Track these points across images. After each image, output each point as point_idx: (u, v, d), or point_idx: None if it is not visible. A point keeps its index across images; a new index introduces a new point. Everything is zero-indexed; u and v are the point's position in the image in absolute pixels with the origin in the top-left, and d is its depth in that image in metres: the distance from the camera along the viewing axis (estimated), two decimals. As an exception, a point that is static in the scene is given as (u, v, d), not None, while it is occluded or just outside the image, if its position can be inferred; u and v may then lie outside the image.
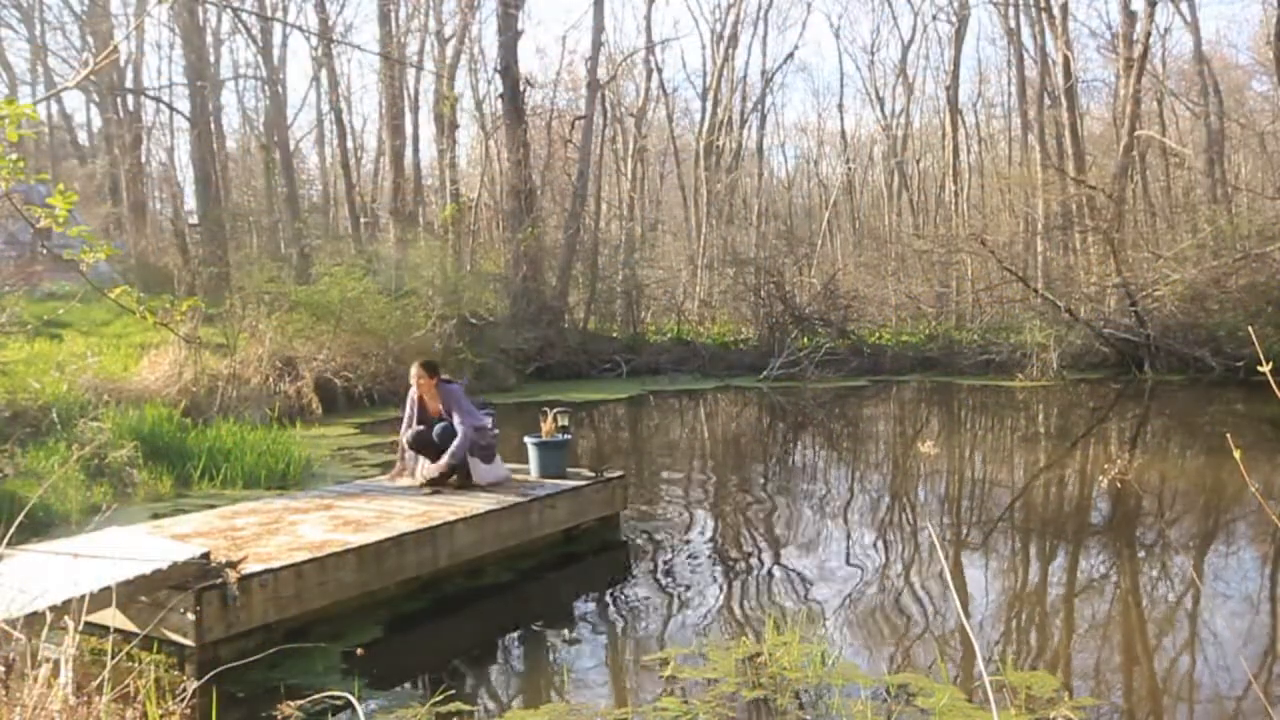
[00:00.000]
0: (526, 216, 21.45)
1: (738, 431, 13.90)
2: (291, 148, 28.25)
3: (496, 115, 25.58)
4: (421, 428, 6.67)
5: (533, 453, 6.94)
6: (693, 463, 10.81)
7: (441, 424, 6.55)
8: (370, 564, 5.02)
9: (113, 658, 3.07)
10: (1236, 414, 13.88)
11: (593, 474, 6.96)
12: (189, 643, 4.19)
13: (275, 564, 4.58)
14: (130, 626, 4.22)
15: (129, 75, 26.69)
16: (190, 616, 4.15)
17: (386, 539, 5.15)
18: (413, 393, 6.78)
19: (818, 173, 40.89)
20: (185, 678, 4.07)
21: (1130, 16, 22.25)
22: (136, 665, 4.12)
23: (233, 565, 4.41)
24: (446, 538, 5.50)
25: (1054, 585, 5.87)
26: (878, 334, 23.16)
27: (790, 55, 43.27)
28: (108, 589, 3.77)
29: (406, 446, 6.79)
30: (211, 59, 25.97)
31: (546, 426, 6.99)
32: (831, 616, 5.13)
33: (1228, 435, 3.12)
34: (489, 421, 6.76)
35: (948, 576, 5.80)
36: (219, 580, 4.26)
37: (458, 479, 6.54)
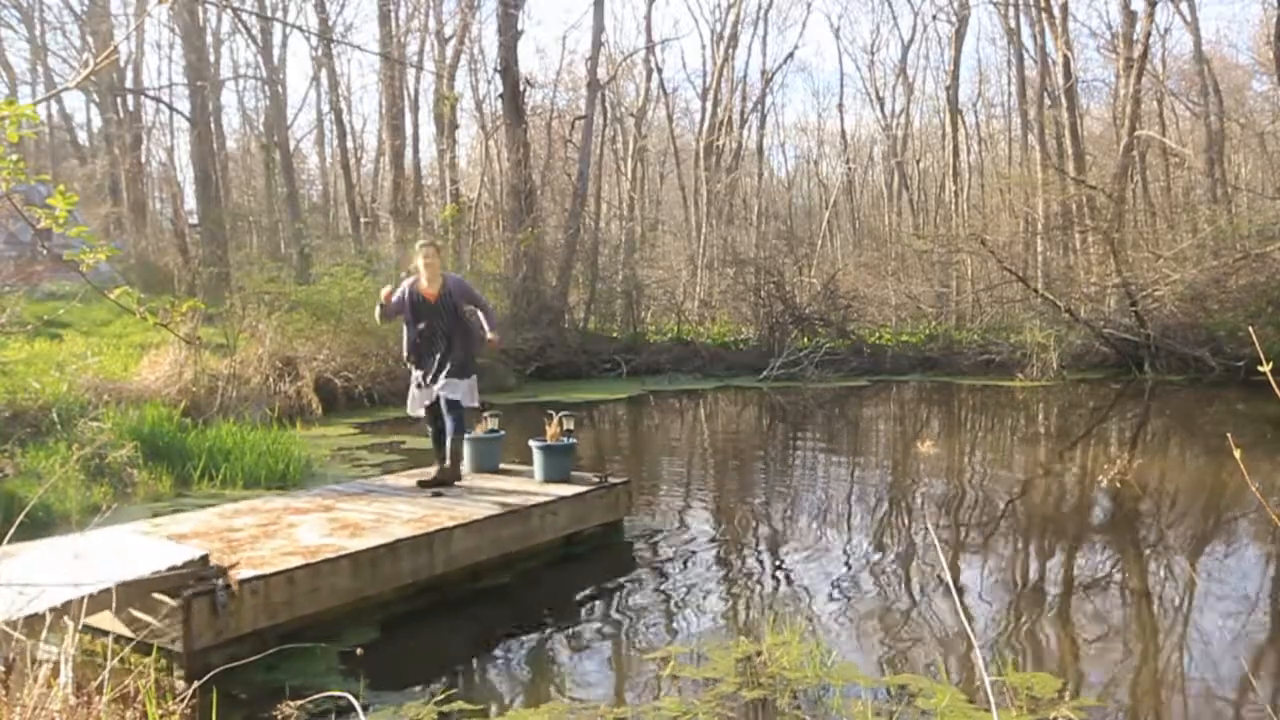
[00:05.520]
0: (526, 216, 21.45)
1: (738, 432, 13.89)
2: (291, 148, 28.27)
3: (496, 115, 25.58)
4: (422, 326, 6.65)
5: (537, 456, 6.93)
6: (693, 463, 10.81)
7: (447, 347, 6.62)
8: (365, 570, 4.99)
9: (108, 660, 3.07)
10: (1237, 414, 13.88)
11: (597, 479, 6.92)
12: (178, 649, 4.17)
13: (267, 570, 4.55)
14: (125, 631, 4.20)
15: (129, 75, 26.70)
16: (179, 622, 4.12)
17: (381, 545, 5.10)
18: (407, 285, 6.70)
19: (818, 173, 40.86)
20: (176, 680, 4.06)
21: (1130, 16, 22.25)
22: (132, 668, 4.12)
23: (224, 571, 4.39)
24: (443, 544, 5.46)
25: (1054, 585, 5.87)
26: (878, 334, 23.15)
27: (790, 55, 43.42)
28: (108, 591, 3.77)
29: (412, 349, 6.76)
30: (211, 59, 25.99)
31: (551, 430, 6.98)
32: (831, 617, 5.13)
33: (1228, 435, 3.11)
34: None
35: (947, 577, 5.80)
36: (209, 586, 4.24)
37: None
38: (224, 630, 4.26)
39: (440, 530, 5.46)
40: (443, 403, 6.66)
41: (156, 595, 4.13)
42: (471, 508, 5.98)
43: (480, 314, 6.98)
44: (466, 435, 7.07)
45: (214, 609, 4.21)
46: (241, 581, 4.36)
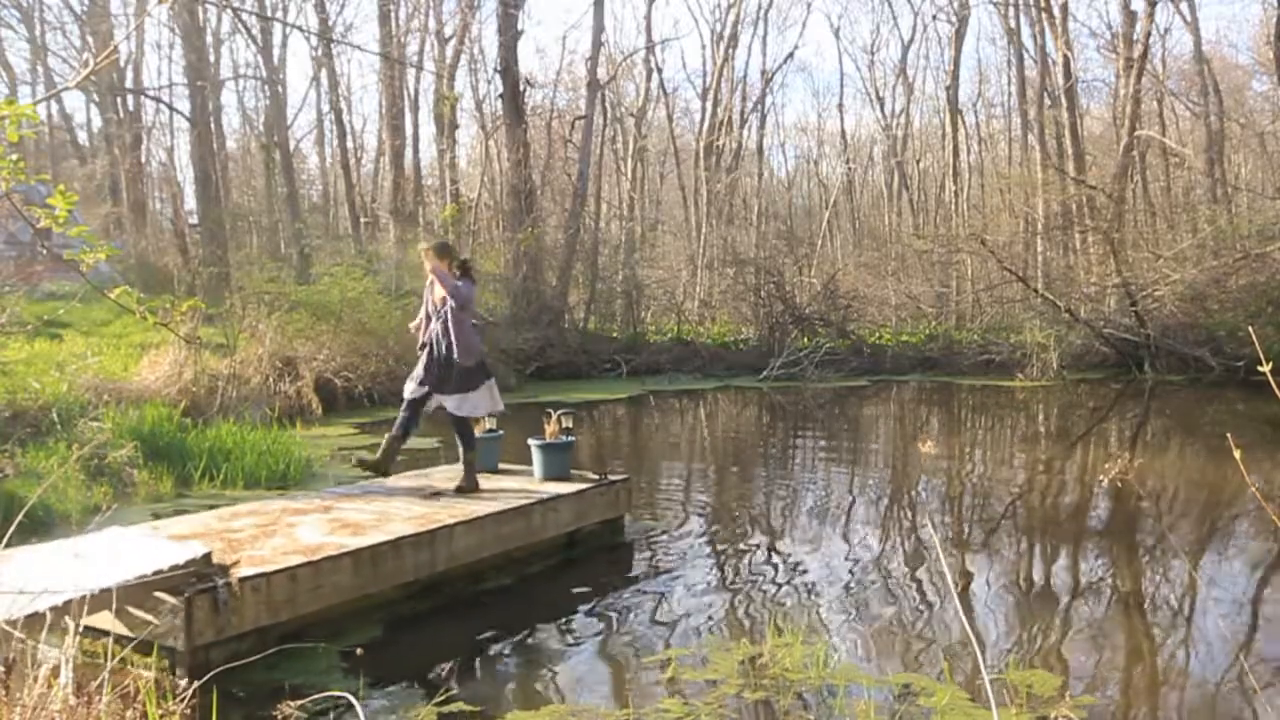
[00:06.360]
0: (526, 216, 21.44)
1: (738, 432, 13.89)
2: (291, 148, 28.25)
3: (496, 115, 25.57)
4: (433, 328, 6.52)
5: (536, 455, 6.94)
6: (693, 463, 10.80)
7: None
8: (366, 567, 4.98)
9: (108, 660, 3.07)
10: (1236, 414, 13.89)
11: (597, 476, 6.93)
12: (179, 646, 4.16)
13: (268, 568, 4.54)
14: (125, 631, 4.20)
15: (129, 75, 26.67)
16: (181, 620, 4.12)
17: (383, 542, 5.09)
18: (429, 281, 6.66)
19: (818, 173, 40.85)
20: (177, 681, 4.06)
21: (1130, 16, 22.26)
22: (131, 668, 4.11)
23: (225, 569, 4.39)
24: (445, 541, 5.46)
25: (1054, 585, 5.87)
26: (878, 334, 23.16)
27: (790, 55, 43.33)
28: (109, 590, 3.76)
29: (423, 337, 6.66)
30: (211, 59, 25.96)
31: (550, 428, 6.99)
32: (833, 617, 5.13)
33: (1228, 435, 3.11)
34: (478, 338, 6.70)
35: (948, 576, 5.79)
36: (210, 584, 4.24)
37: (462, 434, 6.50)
38: (225, 628, 4.25)
39: (442, 527, 5.46)
40: (450, 416, 6.59)
41: (158, 594, 4.12)
42: (472, 506, 5.98)
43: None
44: None
45: (215, 606, 4.20)
46: (243, 579, 4.35)
